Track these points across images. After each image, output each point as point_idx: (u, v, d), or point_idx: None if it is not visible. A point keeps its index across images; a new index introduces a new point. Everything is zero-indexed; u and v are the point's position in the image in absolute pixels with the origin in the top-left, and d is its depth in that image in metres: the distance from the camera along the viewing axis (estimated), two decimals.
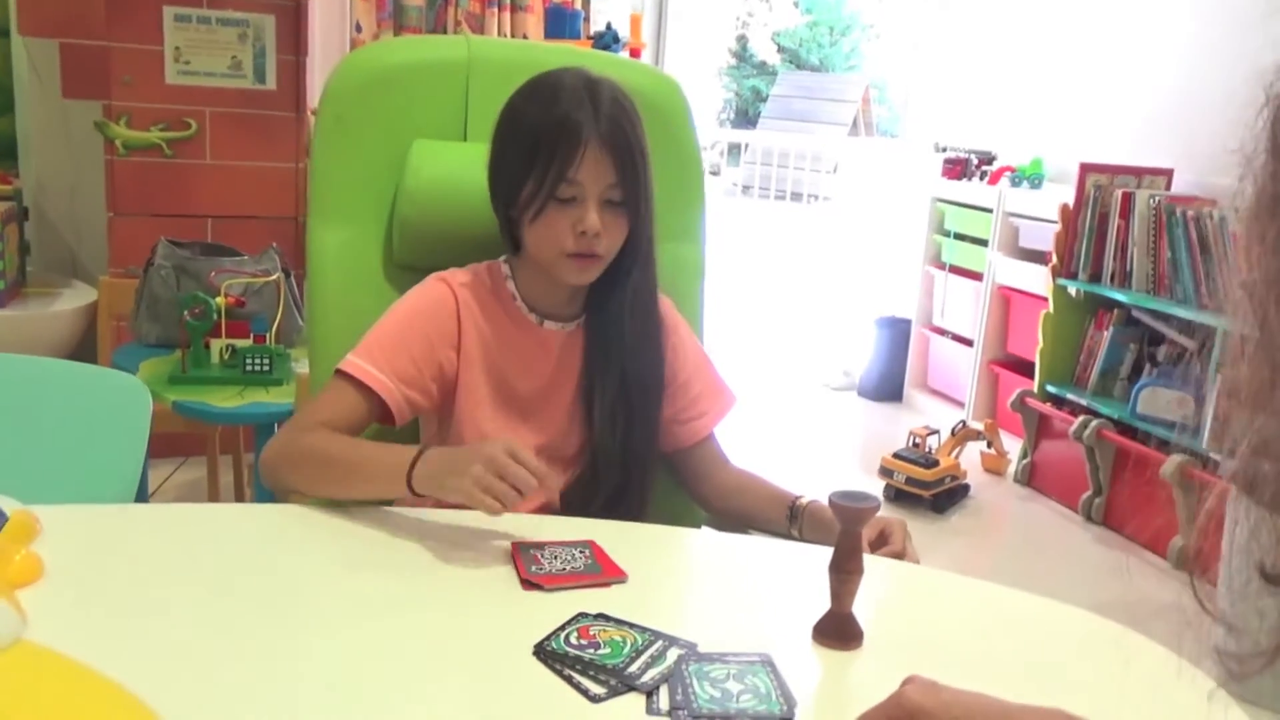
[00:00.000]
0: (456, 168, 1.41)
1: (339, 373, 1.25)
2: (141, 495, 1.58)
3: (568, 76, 1.24)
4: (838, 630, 0.97)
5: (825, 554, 0.97)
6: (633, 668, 0.89)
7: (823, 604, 0.97)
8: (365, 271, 1.43)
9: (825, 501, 1.09)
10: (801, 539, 1.27)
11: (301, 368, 2.10)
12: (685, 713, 0.83)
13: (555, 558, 1.08)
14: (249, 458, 2.76)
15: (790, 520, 1.30)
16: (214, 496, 2.82)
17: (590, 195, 1.22)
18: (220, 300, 2.33)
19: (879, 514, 1.04)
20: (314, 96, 3.27)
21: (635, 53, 4.09)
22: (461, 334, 1.30)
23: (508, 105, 1.28)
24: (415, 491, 1.11)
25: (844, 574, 0.96)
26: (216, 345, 2.33)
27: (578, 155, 1.20)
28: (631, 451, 1.32)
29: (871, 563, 0.98)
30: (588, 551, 1.10)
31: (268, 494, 2.32)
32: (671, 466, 1.42)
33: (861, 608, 0.97)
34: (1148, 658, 1.01)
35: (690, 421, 1.39)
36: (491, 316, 1.32)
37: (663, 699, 0.85)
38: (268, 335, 2.36)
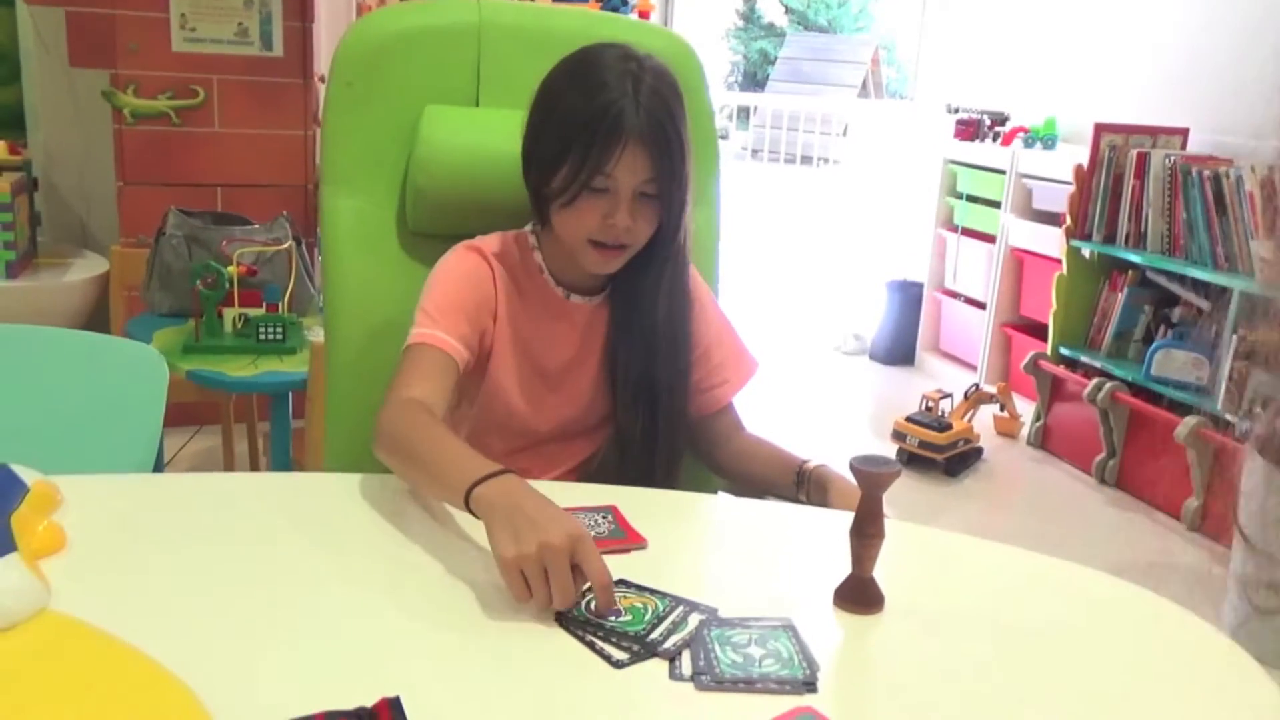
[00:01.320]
0: (469, 133, 1.40)
1: (414, 344, 1.22)
2: (157, 465, 1.59)
3: (610, 58, 1.20)
4: (859, 594, 0.97)
5: (845, 519, 0.97)
6: (655, 634, 0.89)
7: (843, 568, 0.97)
8: (379, 239, 1.42)
9: (837, 467, 1.09)
10: (810, 503, 1.27)
11: (314, 336, 2.10)
12: (708, 678, 0.83)
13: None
14: (263, 426, 2.76)
15: (798, 485, 1.30)
16: (229, 465, 2.84)
17: (624, 189, 1.20)
18: (232, 269, 2.33)
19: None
20: (321, 62, 3.25)
21: (644, 14, 4.05)
22: (498, 303, 1.30)
23: (548, 81, 1.24)
24: (471, 510, 1.00)
25: (865, 538, 0.95)
26: (229, 314, 2.33)
27: (615, 152, 1.17)
28: (657, 427, 1.31)
29: (892, 527, 0.98)
30: (610, 517, 1.10)
31: (284, 463, 2.34)
32: (690, 433, 1.41)
33: (883, 572, 0.97)
34: (1164, 618, 1.01)
35: (711, 389, 1.39)
36: (521, 288, 1.31)
37: (685, 664, 0.85)
38: (280, 304, 2.36)
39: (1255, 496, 2.43)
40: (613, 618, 0.91)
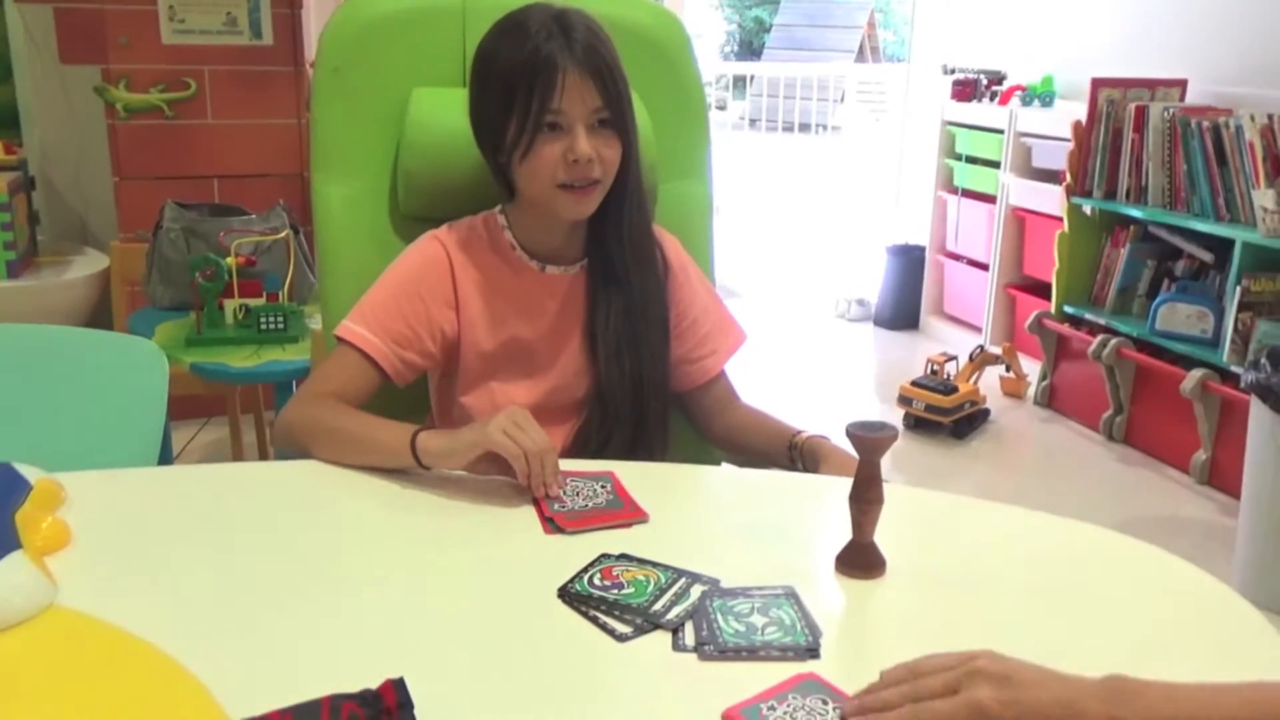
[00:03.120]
0: (458, 115, 1.39)
1: (337, 338, 1.26)
2: (165, 458, 1.60)
3: (535, 11, 1.22)
4: (860, 560, 0.97)
5: (846, 485, 0.97)
6: (657, 606, 0.89)
7: (844, 535, 0.98)
8: (373, 225, 1.42)
9: (841, 434, 1.09)
10: (805, 472, 1.28)
11: (316, 324, 2.11)
12: (711, 647, 0.84)
13: (576, 493, 1.09)
14: (270, 415, 2.77)
15: (790, 457, 1.30)
16: (238, 455, 2.85)
17: (577, 120, 1.20)
18: (231, 260, 2.33)
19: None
20: (311, 50, 3.24)
21: None
22: (458, 291, 1.30)
23: (479, 50, 1.26)
24: (424, 465, 1.12)
25: (864, 504, 0.96)
26: (230, 305, 2.33)
27: (557, 84, 1.18)
28: (641, 387, 1.32)
29: (893, 491, 0.98)
30: (608, 485, 1.11)
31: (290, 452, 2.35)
32: (683, 406, 1.42)
33: (884, 537, 0.98)
34: (1171, 574, 1.01)
35: (700, 360, 1.39)
36: (490, 269, 1.31)
37: (688, 635, 0.86)
38: (280, 293, 2.36)
39: (1258, 447, 2.42)
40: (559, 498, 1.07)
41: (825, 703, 0.77)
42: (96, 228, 3.36)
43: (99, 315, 2.94)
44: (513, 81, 1.20)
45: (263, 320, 2.30)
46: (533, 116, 1.19)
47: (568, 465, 1.14)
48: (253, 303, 2.33)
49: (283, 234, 2.54)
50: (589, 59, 1.19)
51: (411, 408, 1.37)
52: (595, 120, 1.22)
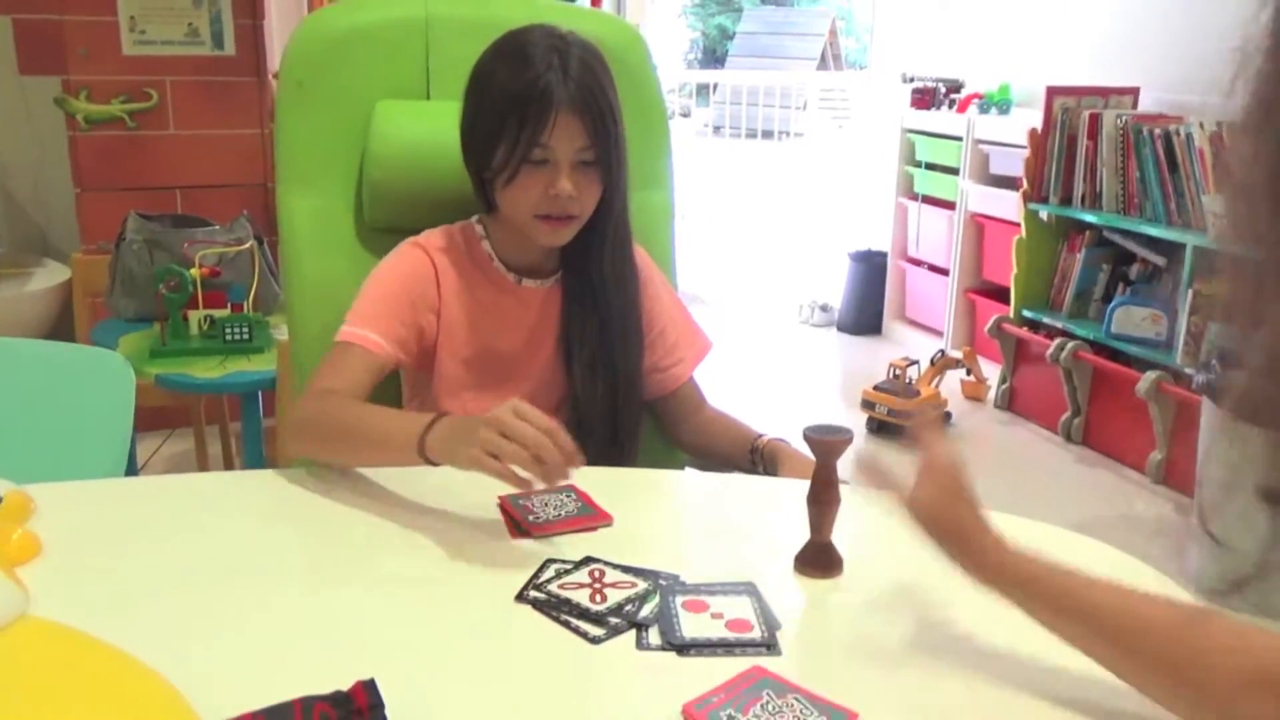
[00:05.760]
0: (422, 127, 1.42)
1: (340, 343, 1.25)
2: (131, 470, 1.60)
3: (536, 35, 1.24)
4: (818, 559, 1.00)
5: (804, 487, 1.00)
6: (628, 606, 0.91)
7: (803, 535, 1.00)
8: (338, 236, 1.44)
9: (789, 439, 1.12)
10: (766, 475, 1.31)
11: (281, 334, 2.11)
12: (672, 643, 0.86)
13: (546, 505, 1.11)
14: (235, 426, 2.77)
15: (752, 460, 1.33)
16: (203, 466, 2.84)
17: (562, 159, 1.23)
18: (195, 271, 2.33)
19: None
20: (274, 60, 3.24)
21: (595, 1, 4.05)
22: (441, 299, 1.31)
23: (477, 66, 1.27)
24: (430, 460, 1.08)
25: (821, 505, 0.99)
26: (194, 316, 2.33)
27: (549, 121, 1.20)
28: (616, 400, 1.34)
29: (851, 493, 1.01)
30: (573, 496, 1.13)
31: (257, 461, 2.35)
32: (652, 413, 1.44)
33: (842, 537, 1.00)
34: (1129, 572, 1.04)
35: (669, 369, 1.42)
36: (469, 279, 1.33)
37: (651, 633, 0.88)
38: (245, 304, 2.36)
39: (1210, 446, 2.49)
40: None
41: (779, 695, 0.79)
42: (57, 239, 3.34)
43: (60, 327, 2.93)
44: (506, 108, 1.22)
45: (228, 331, 2.30)
46: (520, 147, 1.21)
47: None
48: (217, 314, 2.33)
49: (247, 245, 2.54)
50: (583, 97, 1.21)
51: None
52: (579, 159, 1.24)
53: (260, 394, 2.31)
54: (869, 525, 1.09)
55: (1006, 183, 3.91)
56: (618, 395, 1.34)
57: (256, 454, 2.32)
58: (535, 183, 1.23)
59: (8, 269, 3.10)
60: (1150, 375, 3.07)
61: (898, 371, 3.61)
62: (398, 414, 1.20)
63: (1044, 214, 3.62)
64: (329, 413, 1.19)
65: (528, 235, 1.28)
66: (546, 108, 1.20)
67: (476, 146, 1.27)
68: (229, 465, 2.90)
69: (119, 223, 2.62)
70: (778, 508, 1.17)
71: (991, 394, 3.88)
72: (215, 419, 2.93)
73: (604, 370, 1.34)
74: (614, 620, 0.90)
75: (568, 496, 1.13)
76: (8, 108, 3.25)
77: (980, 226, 4.10)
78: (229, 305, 2.35)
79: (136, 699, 0.78)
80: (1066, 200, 3.53)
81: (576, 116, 1.21)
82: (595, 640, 0.88)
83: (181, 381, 2.18)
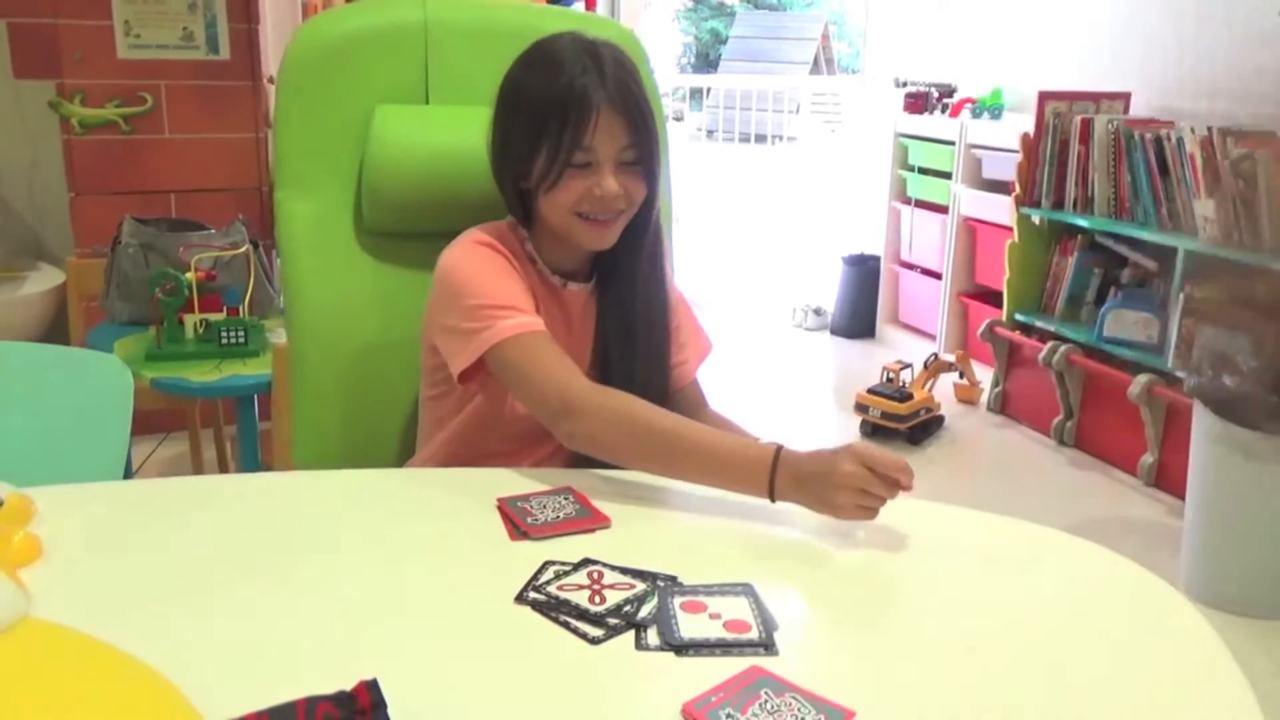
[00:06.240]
0: (421, 131, 1.42)
1: (505, 340, 1.21)
2: (126, 474, 1.60)
3: (565, 41, 1.24)
4: None
5: None
6: (627, 607, 0.92)
7: (804, 537, 1.01)
8: (337, 240, 1.44)
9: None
10: None
11: (277, 338, 2.11)
12: (670, 643, 0.87)
13: (544, 508, 1.11)
14: (230, 430, 2.77)
15: None
16: (198, 470, 2.84)
17: (605, 159, 1.22)
18: (190, 275, 2.33)
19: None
20: (269, 64, 3.24)
21: (590, 3, 4.07)
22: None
23: (509, 78, 1.26)
24: (774, 498, 1.10)
25: None
26: (190, 320, 2.34)
27: (590, 122, 1.20)
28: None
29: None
30: (571, 498, 1.14)
31: (253, 465, 2.35)
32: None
33: (838, 538, 1.01)
34: (1121, 574, 1.06)
35: (676, 368, 1.42)
36: (529, 277, 1.31)
37: (651, 635, 0.89)
38: (241, 307, 2.37)
39: (1201, 449, 2.50)
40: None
41: (777, 694, 0.80)
42: (51, 243, 3.33)
43: (55, 331, 2.92)
44: (545, 115, 1.21)
45: (223, 335, 2.30)
46: (563, 152, 1.21)
47: (530, 484, 1.17)
48: (213, 317, 2.33)
49: (243, 248, 2.55)
50: (622, 96, 1.21)
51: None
52: (621, 159, 1.24)
53: (256, 398, 2.31)
54: (868, 526, 1.10)
55: (999, 187, 3.93)
56: (650, 398, 1.34)
57: (252, 458, 2.32)
58: (579, 185, 1.23)
59: (2, 273, 3.10)
60: (1142, 379, 3.09)
61: (891, 375, 3.62)
62: (718, 435, 1.17)
63: (1036, 218, 3.64)
64: (643, 420, 1.17)
65: (571, 239, 1.27)
66: (587, 109, 1.20)
67: (515, 158, 1.26)
68: (223, 469, 2.90)
69: (114, 226, 2.62)
70: (774, 509, 1.18)
71: (984, 397, 3.89)
72: (210, 423, 2.93)
73: (640, 373, 1.33)
74: (613, 621, 0.90)
75: (566, 499, 1.14)
76: (2, 112, 3.25)
77: (973, 230, 4.11)
78: (224, 309, 2.35)
79: (139, 701, 0.79)
80: (1058, 204, 3.54)
81: (617, 115, 1.21)
82: (594, 641, 0.88)
83: (177, 385, 2.19)
